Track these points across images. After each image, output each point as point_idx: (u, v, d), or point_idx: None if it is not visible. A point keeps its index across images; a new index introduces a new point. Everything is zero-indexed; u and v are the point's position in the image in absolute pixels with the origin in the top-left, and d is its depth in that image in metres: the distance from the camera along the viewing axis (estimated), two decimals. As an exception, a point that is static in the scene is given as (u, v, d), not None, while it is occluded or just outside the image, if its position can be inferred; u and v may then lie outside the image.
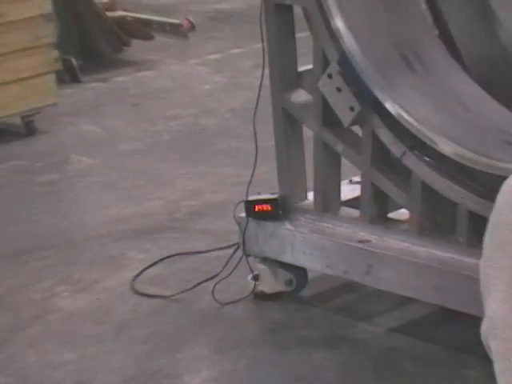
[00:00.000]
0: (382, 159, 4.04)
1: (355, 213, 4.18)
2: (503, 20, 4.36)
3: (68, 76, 6.71)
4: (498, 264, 2.39)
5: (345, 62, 4.00)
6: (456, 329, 3.83)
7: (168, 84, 6.85)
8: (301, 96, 4.24)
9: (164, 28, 7.26)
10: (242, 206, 4.30)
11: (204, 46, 7.33)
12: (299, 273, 4.29)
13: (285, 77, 4.26)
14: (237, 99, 5.98)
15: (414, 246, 3.95)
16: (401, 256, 3.94)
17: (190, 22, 7.21)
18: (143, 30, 7.23)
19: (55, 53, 6.22)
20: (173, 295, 4.37)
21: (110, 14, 7.16)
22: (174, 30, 7.21)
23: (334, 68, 4.03)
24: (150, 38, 7.22)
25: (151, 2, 8.16)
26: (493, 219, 2.44)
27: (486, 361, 2.36)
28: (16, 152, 5.95)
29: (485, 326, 2.38)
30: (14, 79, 6.02)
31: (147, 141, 6.01)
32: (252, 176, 4.30)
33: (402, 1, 4.27)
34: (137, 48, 7.23)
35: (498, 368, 2.32)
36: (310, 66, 4.17)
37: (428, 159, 3.89)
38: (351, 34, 4.01)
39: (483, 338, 2.38)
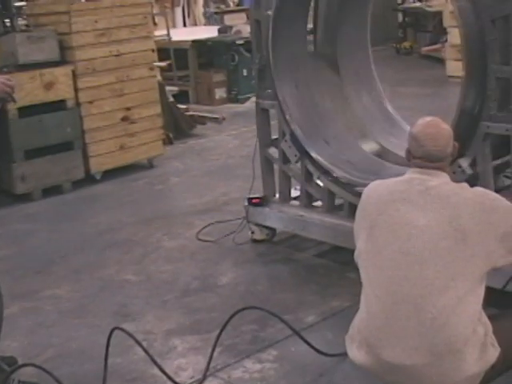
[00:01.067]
0: (309, 178, 4.01)
1: (297, 203, 4.14)
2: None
3: (167, 141, 6.64)
4: (361, 224, 2.44)
5: (292, 135, 4.00)
6: (343, 254, 3.77)
7: (212, 144, 6.77)
8: (273, 150, 4.20)
9: (211, 119, 7.20)
10: (246, 200, 4.26)
11: (229, 127, 7.24)
12: (272, 230, 4.25)
13: (265, 141, 4.23)
14: (245, 151, 5.93)
15: (325, 218, 3.91)
16: (318, 222, 3.91)
17: (223, 116, 7.18)
18: (202, 120, 7.17)
19: (162, 131, 6.17)
20: (215, 240, 4.32)
21: (186, 112, 7.12)
22: (216, 120, 7.15)
23: (287, 137, 4.03)
24: (204, 123, 7.14)
25: (207, 113, 8.03)
26: (358, 205, 2.46)
27: (357, 270, 2.38)
28: (145, 175, 5.88)
29: (356, 253, 2.43)
30: (144, 142, 5.96)
31: (203, 170, 5.93)
32: (251, 186, 4.25)
33: (312, 98, 4.17)
34: (198, 128, 7.15)
35: (361, 271, 2.37)
36: (277, 136, 4.14)
37: (330, 178, 3.88)
38: (295, 121, 4.00)
39: (355, 259, 2.44)
